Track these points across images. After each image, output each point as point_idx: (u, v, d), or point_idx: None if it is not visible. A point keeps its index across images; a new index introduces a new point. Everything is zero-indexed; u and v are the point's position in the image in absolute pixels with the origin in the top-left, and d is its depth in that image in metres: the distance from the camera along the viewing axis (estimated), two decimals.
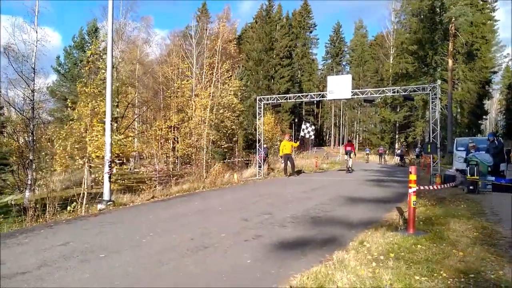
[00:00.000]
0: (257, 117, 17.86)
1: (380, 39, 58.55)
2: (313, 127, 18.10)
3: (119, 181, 12.82)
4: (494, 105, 73.32)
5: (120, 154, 14.43)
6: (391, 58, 49.64)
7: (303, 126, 17.65)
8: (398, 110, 45.13)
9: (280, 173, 17.43)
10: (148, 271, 4.26)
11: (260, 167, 16.62)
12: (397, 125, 46.82)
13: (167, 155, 17.42)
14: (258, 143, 17.44)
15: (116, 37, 25.47)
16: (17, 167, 24.60)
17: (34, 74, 21.10)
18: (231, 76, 24.71)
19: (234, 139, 23.99)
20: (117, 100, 22.00)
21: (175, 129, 19.44)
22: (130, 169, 25.09)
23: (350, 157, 19.68)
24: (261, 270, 4.26)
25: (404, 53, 41.53)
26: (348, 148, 20.16)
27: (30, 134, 20.51)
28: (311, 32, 66.79)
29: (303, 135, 17.57)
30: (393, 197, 10.04)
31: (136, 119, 28.63)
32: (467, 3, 32.06)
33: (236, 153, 23.48)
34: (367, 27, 72.36)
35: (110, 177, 8.96)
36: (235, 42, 42.49)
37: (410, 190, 5.71)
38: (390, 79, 45.97)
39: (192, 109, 21.60)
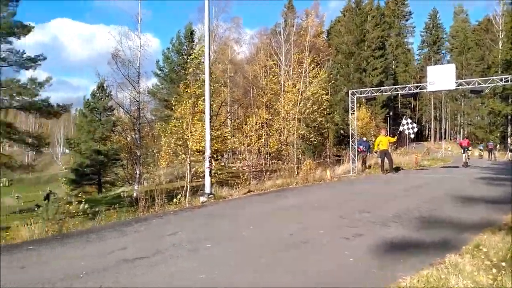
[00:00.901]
0: (350, 111, 17.31)
1: (485, 24, 52.52)
2: (415, 125, 16.86)
3: (216, 175, 13.47)
4: None
5: (219, 150, 15.18)
6: (500, 44, 44.19)
7: (404, 121, 16.59)
8: (510, 101, 40.12)
9: (376, 170, 16.68)
10: (250, 264, 4.38)
11: (354, 163, 16.10)
12: (510, 117, 41.65)
13: (259, 151, 17.83)
14: (351, 138, 16.91)
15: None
16: (126, 162, 27.52)
17: (138, 77, 23.34)
18: (318, 69, 24.29)
19: (325, 134, 23.59)
20: (212, 99, 23.18)
21: (266, 125, 19.81)
22: (224, 164, 26.27)
23: (467, 153, 21.34)
24: (365, 270, 4.11)
25: None
26: (464, 144, 21.93)
27: (137, 132, 22.75)
28: (406, 20, 62.75)
29: (402, 130, 16.54)
30: (510, 197, 8.92)
31: (228, 117, 29.87)
32: None
33: (327, 148, 23.08)
34: (468, 11, 65.14)
35: (210, 172, 9.45)
36: (324, 37, 41.78)
37: None
38: (499, 66, 40.99)
39: (281, 106, 21.77)
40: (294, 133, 19.31)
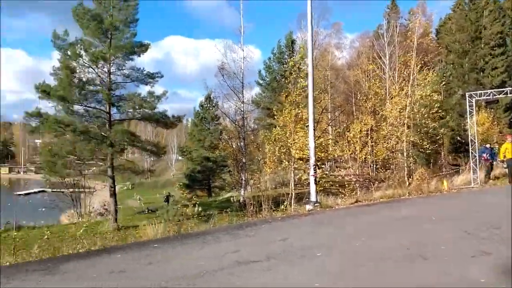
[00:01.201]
0: (468, 116, 15.66)
1: None
2: None
3: (320, 183, 13.33)
4: None
5: (322, 158, 15.06)
6: None
7: None
8: None
9: (503, 181, 14.73)
10: (366, 278, 4.20)
11: (475, 173, 14.43)
12: None
13: (365, 159, 17.11)
14: (471, 145, 15.24)
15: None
16: (233, 168, 28.90)
17: (242, 87, 24.40)
18: (427, 71, 22.49)
19: (438, 140, 21.64)
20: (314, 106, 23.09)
21: (372, 132, 18.92)
22: (328, 172, 25.83)
23: None
24: None
25: None
26: None
27: (242, 140, 23.76)
28: None
29: None
30: None
31: (330, 124, 29.42)
32: None
33: (442, 157, 21.14)
34: None
35: (315, 180, 9.39)
36: (432, 36, 38.69)
37: None
38: None
39: (387, 111, 20.66)
40: (404, 140, 18.13)
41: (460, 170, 18.12)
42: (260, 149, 20.55)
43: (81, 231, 8.02)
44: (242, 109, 24.08)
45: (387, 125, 18.78)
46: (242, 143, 23.71)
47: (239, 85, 24.02)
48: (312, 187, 9.34)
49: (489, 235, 5.95)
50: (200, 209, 11.57)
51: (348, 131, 20.24)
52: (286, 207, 9.05)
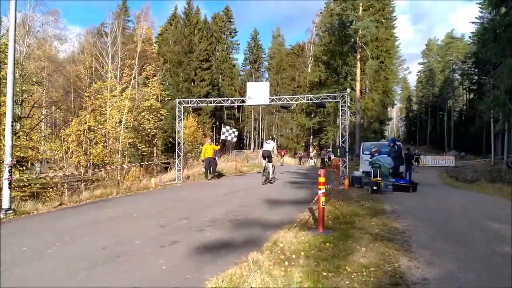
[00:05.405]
0: (177, 120, 17.58)
1: (297, 49, 61.26)
2: (234, 129, 18.31)
3: (22, 187, 11.67)
4: (395, 113, 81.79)
5: (28, 158, 13.20)
6: (309, 68, 52.52)
7: (223, 129, 17.78)
8: (312, 116, 47.56)
9: (201, 176, 17.34)
10: (54, 285, 3.99)
11: (180, 170, 16.34)
12: (312, 130, 49.43)
13: (79, 159, 16.26)
14: (178, 146, 17.16)
15: (22, 31, 23.13)
16: None
17: None
18: (152, 78, 23.92)
19: (153, 141, 23.26)
20: (21, 99, 20.07)
21: (90, 131, 18.21)
22: (36, 174, 22.92)
23: (283, 159, 35.13)
24: (176, 276, 4.23)
25: (318, 63, 44.37)
26: (282, 153, 36.48)
27: None
28: (232, 37, 67.05)
29: (223, 138, 17.71)
30: (308, 197, 10.51)
31: (43, 120, 26.37)
32: (372, 19, 35.33)
33: (155, 156, 22.77)
34: (283, 35, 73.86)
35: (10, 184, 8.12)
36: (153, 43, 41.41)
37: (320, 192, 6.10)
38: (306, 87, 48.50)
39: (108, 111, 20.48)
40: (120, 140, 18.38)
41: (170, 168, 20.12)
42: None
43: None
44: None
45: (106, 125, 18.57)
46: None
47: None
48: (6, 192, 8.03)
49: (180, 225, 6.86)
50: None
51: (63, 129, 18.78)
52: None
